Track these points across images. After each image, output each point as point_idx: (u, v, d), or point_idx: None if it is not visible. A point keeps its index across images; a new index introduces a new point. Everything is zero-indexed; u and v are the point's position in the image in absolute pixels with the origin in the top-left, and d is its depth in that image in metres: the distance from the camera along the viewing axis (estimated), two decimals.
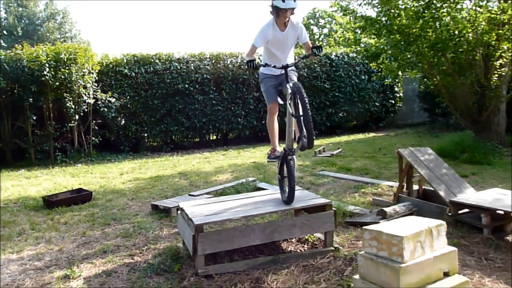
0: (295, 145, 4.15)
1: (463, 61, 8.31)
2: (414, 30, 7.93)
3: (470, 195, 4.80)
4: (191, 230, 3.64)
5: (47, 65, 10.21)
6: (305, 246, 4.30)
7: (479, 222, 4.34)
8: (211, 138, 13.57)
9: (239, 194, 4.91)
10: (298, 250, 4.16)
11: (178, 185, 7.53)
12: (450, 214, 4.67)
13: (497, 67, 8.41)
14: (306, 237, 4.42)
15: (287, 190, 4.06)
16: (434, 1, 7.66)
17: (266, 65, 4.04)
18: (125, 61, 12.04)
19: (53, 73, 10.33)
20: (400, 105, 15.54)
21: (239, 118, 12.84)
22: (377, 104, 14.58)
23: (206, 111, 12.50)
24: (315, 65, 13.58)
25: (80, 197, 6.58)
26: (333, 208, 4.09)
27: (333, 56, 14.00)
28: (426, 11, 7.81)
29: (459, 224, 4.57)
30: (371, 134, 13.58)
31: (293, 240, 4.43)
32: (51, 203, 6.30)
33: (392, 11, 7.86)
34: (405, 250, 2.52)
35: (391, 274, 2.52)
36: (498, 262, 3.69)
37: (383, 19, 8.09)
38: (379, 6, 8.17)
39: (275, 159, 4.42)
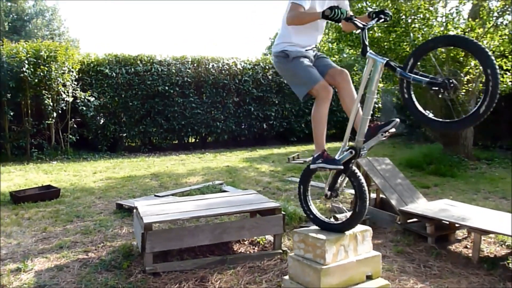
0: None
1: (432, 75, 8.54)
2: (386, 43, 8.16)
3: (419, 205, 5.00)
4: (141, 228, 3.77)
5: (26, 61, 10.26)
6: (256, 248, 4.45)
7: (424, 231, 4.53)
8: (189, 141, 13.67)
9: (197, 196, 5.05)
10: (248, 252, 4.31)
11: (148, 185, 7.63)
12: (399, 222, 4.85)
13: (465, 82, 8.67)
14: (258, 239, 4.57)
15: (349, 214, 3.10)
16: (403, 17, 7.92)
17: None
18: (106, 61, 12.12)
19: (32, 70, 10.38)
20: (379, 115, 15.81)
21: (218, 122, 12.98)
22: None
23: (185, 114, 12.62)
24: None
25: (47, 193, 6.65)
26: (283, 212, 4.25)
27: None
28: (396, 26, 8.06)
29: (407, 233, 4.75)
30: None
31: (245, 242, 4.57)
32: (18, 198, 6.37)
33: None
34: (327, 253, 2.67)
35: (314, 275, 2.68)
36: (435, 269, 3.87)
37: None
38: None
39: (331, 165, 3.13)
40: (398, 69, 2.68)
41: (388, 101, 15.80)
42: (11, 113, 10.60)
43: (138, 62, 12.32)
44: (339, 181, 3.30)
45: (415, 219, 4.80)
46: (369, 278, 2.85)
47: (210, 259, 3.95)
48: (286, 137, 13.99)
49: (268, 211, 4.22)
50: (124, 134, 12.47)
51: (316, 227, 2.96)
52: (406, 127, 14.66)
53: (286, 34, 3.26)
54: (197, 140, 13.73)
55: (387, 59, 2.81)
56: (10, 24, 27.47)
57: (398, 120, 2.94)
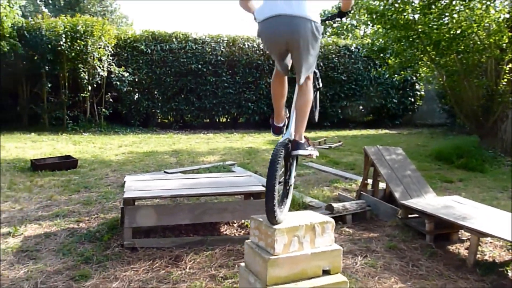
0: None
1: (470, 62, 7.97)
2: (419, 26, 7.66)
3: (425, 200, 4.68)
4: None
5: (64, 35, 10.60)
6: (243, 231, 4.35)
7: (423, 228, 4.24)
8: (221, 120, 13.69)
9: (188, 175, 5.01)
10: (233, 234, 4.23)
11: (165, 161, 7.70)
12: (400, 217, 4.58)
13: (507, 71, 8.00)
14: (247, 223, 4.47)
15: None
16: None
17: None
18: (143, 37, 12.29)
19: (69, 43, 10.72)
20: (420, 104, 15.06)
21: (249, 103, 12.87)
22: (395, 100, 14.18)
23: (217, 93, 12.61)
24: (333, 56, 13.36)
25: (65, 163, 6.87)
26: None
27: (352, 48, 13.70)
28: (434, 6, 7.52)
29: (406, 228, 4.47)
30: (384, 131, 13.28)
31: (234, 225, 4.49)
32: (36, 166, 6.63)
33: (397, 5, 7.60)
34: (276, 243, 2.53)
35: (262, 265, 2.55)
36: (423, 269, 3.61)
37: (389, 13, 7.85)
38: None
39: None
40: None
41: (433, 88, 14.97)
42: (49, 85, 11.04)
43: (173, 39, 12.39)
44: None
45: (417, 215, 4.50)
46: (326, 273, 2.67)
47: (190, 238, 3.91)
48: (319, 121, 13.61)
49: (257, 195, 4.09)
50: (158, 110, 12.67)
51: None
52: (448, 117, 13.89)
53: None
54: (228, 120, 13.72)
55: None
56: (65, 0, 28.49)
57: None
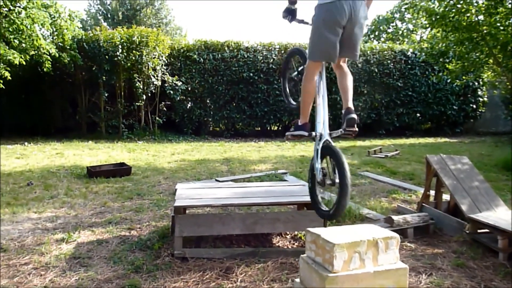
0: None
1: None
2: (485, 27, 7.16)
3: (496, 213, 4.26)
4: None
5: (120, 46, 10.93)
6: (296, 243, 4.15)
7: (496, 244, 3.84)
8: (272, 128, 13.56)
9: (240, 183, 4.87)
10: (285, 247, 4.03)
11: (216, 169, 7.65)
12: (468, 231, 4.19)
13: None
14: (300, 234, 4.26)
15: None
16: None
17: None
18: (196, 47, 12.45)
19: (125, 54, 11.03)
20: (483, 110, 14.16)
21: None
22: (455, 107, 13.41)
23: (268, 101, 12.51)
24: (388, 62, 12.87)
25: (119, 170, 6.98)
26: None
27: (409, 53, 13.14)
28: (500, 6, 7.01)
29: (475, 244, 4.08)
30: (443, 139, 12.59)
31: (287, 236, 4.30)
32: (92, 173, 6.77)
33: (459, 5, 7.15)
34: (335, 259, 2.32)
35: (320, 282, 2.35)
36: None
37: (450, 14, 7.40)
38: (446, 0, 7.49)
39: None
40: None
41: (497, 94, 14.06)
42: (106, 94, 11.41)
43: (225, 48, 12.46)
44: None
45: (487, 230, 4.09)
46: None
47: (241, 249, 3.76)
48: (374, 129, 13.18)
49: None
50: (210, 119, 12.75)
51: (331, 228, 2.59)
52: None
53: None
54: (280, 128, 13.56)
55: None
56: (123, 13, 29.69)
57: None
